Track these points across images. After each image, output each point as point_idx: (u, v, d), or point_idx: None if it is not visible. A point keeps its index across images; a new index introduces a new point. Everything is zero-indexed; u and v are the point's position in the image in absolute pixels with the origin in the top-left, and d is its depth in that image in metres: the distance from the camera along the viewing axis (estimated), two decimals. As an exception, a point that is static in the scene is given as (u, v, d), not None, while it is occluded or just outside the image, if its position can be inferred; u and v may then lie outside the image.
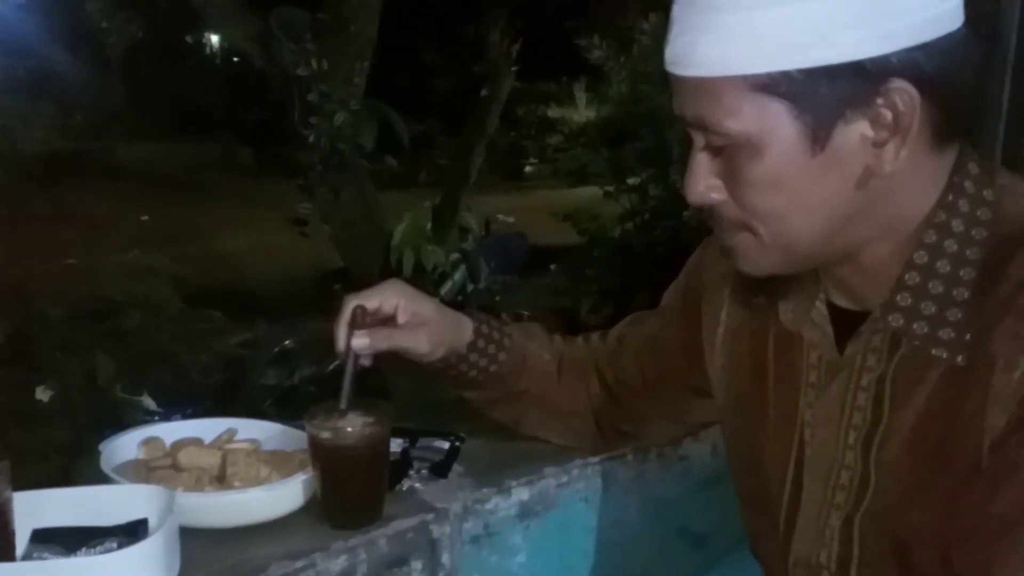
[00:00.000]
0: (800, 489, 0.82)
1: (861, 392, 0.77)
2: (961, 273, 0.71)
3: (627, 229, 3.92)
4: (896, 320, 0.73)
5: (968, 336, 0.70)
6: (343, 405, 0.91)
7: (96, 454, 0.98)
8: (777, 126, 0.68)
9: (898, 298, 0.72)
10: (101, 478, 0.93)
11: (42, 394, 2.38)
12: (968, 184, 0.72)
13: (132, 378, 2.52)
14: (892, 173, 0.69)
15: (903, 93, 0.67)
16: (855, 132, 0.68)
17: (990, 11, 1.58)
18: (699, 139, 0.73)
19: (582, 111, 6.44)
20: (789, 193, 0.70)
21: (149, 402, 2.42)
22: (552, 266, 3.90)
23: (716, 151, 0.72)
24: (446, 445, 1.09)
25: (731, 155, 0.71)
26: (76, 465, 1.06)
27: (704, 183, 0.73)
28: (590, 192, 4.44)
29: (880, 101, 0.67)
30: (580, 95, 6.61)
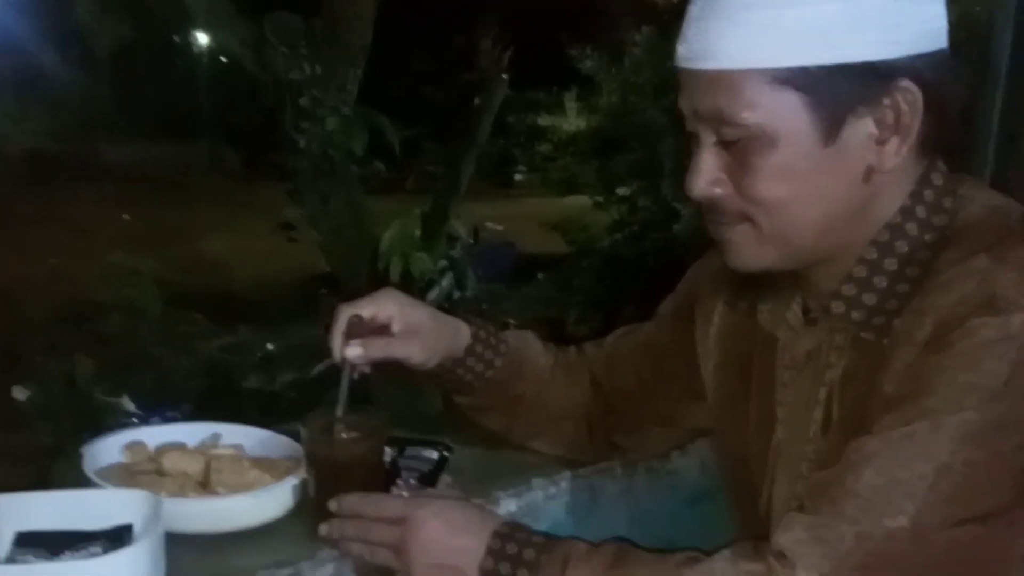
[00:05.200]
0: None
1: (823, 388, 0.81)
2: (907, 271, 0.76)
3: (616, 240, 3.94)
4: (838, 307, 0.78)
5: (896, 322, 0.74)
6: (340, 413, 0.91)
7: (76, 457, 0.97)
8: (792, 118, 0.73)
9: (843, 288, 0.77)
10: (81, 481, 0.92)
11: (19, 393, 2.35)
12: (928, 193, 0.77)
13: (113, 381, 2.49)
14: (891, 170, 0.74)
15: (908, 93, 0.72)
16: (863, 129, 0.73)
17: (982, 34, 1.60)
18: (709, 135, 0.77)
19: (572, 120, 6.47)
20: (798, 183, 0.74)
21: (129, 404, 2.39)
22: (540, 275, 3.90)
23: (726, 145, 0.76)
24: (434, 455, 1.08)
25: (743, 147, 0.75)
26: (55, 468, 1.05)
27: (709, 177, 0.77)
28: (579, 202, 4.45)
29: (887, 101, 0.72)
30: (570, 104, 6.64)
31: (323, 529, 0.87)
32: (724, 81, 0.74)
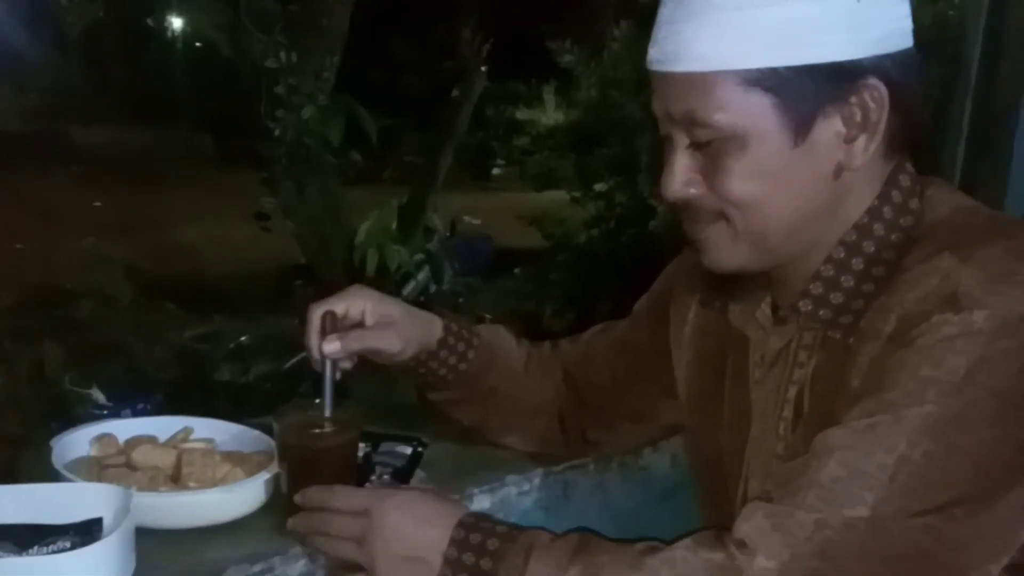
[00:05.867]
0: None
1: (792, 386, 0.82)
2: (873, 271, 0.77)
3: (593, 235, 3.95)
4: (806, 305, 0.79)
5: (862, 321, 0.76)
6: (328, 413, 0.90)
7: (43, 447, 0.96)
8: (763, 119, 0.74)
9: (811, 287, 0.79)
10: (48, 473, 0.91)
11: (-14, 381, 2.30)
12: (896, 194, 0.78)
13: (82, 370, 2.45)
14: (859, 167, 0.76)
15: (874, 90, 0.74)
16: (831, 128, 0.75)
17: (954, 36, 1.62)
18: (682, 137, 0.78)
19: (550, 114, 6.46)
20: (770, 182, 0.75)
21: (99, 395, 2.36)
22: (516, 270, 3.90)
23: (698, 146, 0.77)
24: (408, 450, 1.08)
25: (716, 148, 0.76)
26: (22, 458, 1.03)
27: (683, 179, 0.78)
28: (557, 196, 4.45)
29: (854, 100, 0.74)
30: (549, 98, 6.63)
31: (290, 523, 0.87)
32: (695, 83, 0.75)
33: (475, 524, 0.79)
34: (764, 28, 0.72)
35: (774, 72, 0.73)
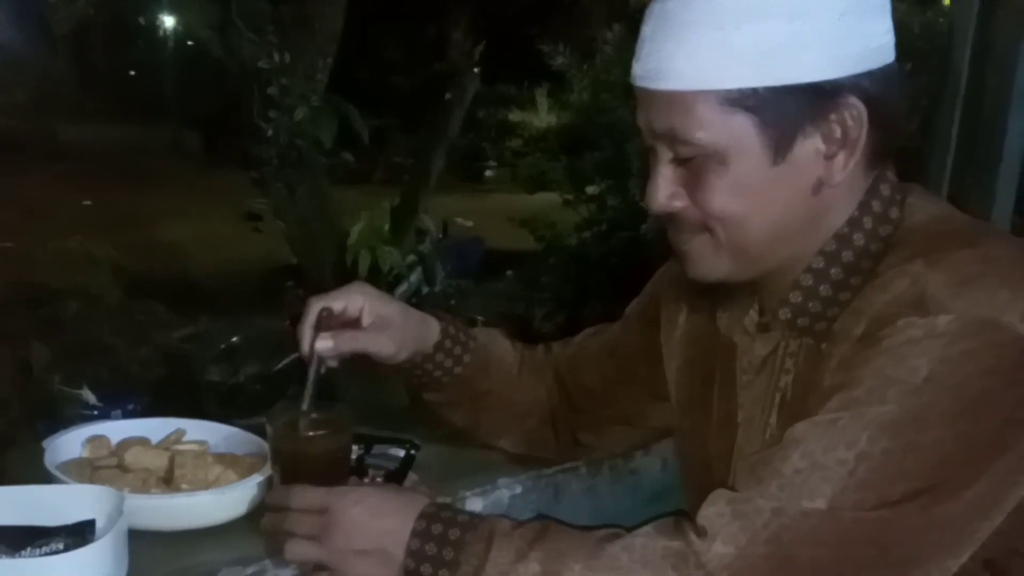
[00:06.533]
0: None
1: (778, 392, 0.83)
2: (851, 280, 0.78)
3: (584, 238, 3.96)
4: (784, 314, 0.81)
5: (836, 325, 0.77)
6: (305, 407, 0.90)
7: (31, 447, 0.95)
8: (743, 138, 0.75)
9: (791, 295, 0.80)
10: (38, 474, 0.91)
11: (-27, 382, 2.29)
12: (876, 204, 0.80)
13: (69, 370, 2.44)
14: (840, 183, 0.77)
15: (853, 109, 0.75)
16: (811, 145, 0.76)
17: (942, 45, 1.63)
18: (665, 152, 0.79)
19: (543, 116, 6.47)
20: (751, 198, 0.77)
21: (89, 395, 2.34)
22: (508, 272, 3.91)
23: (681, 161, 0.78)
24: (401, 453, 1.08)
25: (697, 164, 0.77)
26: (10, 459, 1.03)
27: (667, 192, 0.79)
28: (548, 199, 4.46)
29: (833, 117, 0.75)
30: (541, 100, 6.63)
31: (262, 524, 0.86)
32: (677, 101, 0.76)
33: (436, 514, 0.79)
34: (743, 48, 0.73)
35: (754, 92, 0.74)
